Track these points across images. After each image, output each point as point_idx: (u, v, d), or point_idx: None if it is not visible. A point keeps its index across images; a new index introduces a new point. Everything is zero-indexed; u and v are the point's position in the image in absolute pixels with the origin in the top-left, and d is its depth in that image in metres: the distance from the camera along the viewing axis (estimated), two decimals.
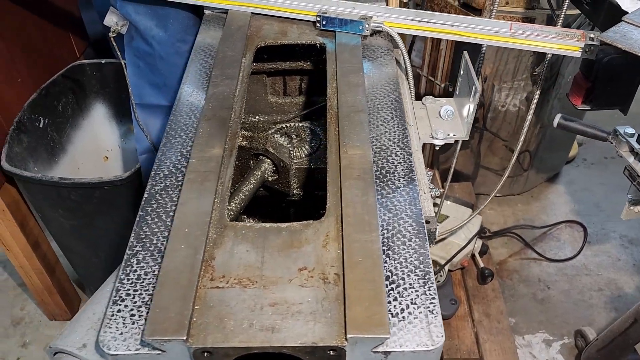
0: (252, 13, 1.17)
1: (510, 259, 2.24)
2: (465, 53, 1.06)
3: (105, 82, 1.90)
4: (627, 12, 1.04)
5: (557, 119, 1.46)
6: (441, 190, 0.99)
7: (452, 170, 1.59)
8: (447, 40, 1.84)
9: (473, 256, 2.04)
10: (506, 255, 2.25)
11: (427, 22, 1.07)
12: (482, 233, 2.02)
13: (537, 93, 1.36)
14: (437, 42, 2.12)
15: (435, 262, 1.94)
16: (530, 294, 2.11)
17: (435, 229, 0.83)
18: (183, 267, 0.68)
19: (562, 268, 2.20)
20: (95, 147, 1.99)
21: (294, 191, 1.07)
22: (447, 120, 1.01)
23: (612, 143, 1.40)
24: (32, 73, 1.71)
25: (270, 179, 1.06)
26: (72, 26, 1.99)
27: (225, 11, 1.20)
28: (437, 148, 1.03)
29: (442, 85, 2.17)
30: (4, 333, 1.99)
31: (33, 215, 1.75)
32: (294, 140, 1.10)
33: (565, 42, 1.01)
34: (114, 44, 1.37)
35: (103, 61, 1.85)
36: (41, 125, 1.72)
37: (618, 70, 1.16)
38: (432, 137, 1.00)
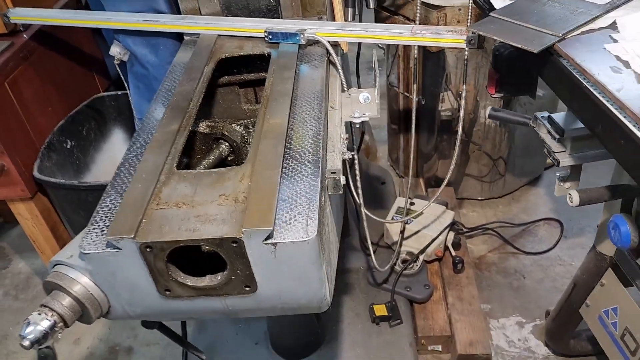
0: (218, 35, 1.49)
1: (489, 253, 2.42)
2: (374, 50, 1.34)
3: (122, 111, 2.26)
4: None
5: (488, 110, 1.71)
6: (352, 153, 1.21)
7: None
8: (416, 58, 2.11)
9: (446, 249, 2.24)
10: (486, 251, 2.44)
11: (349, 30, 1.37)
12: (454, 227, 2.22)
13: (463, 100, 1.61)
14: (407, 62, 2.41)
15: (410, 253, 2.16)
16: (507, 284, 2.28)
17: (339, 178, 1.08)
18: (138, 197, 0.97)
19: (537, 260, 2.37)
20: (114, 167, 2.33)
21: None
22: (365, 104, 1.28)
23: (533, 127, 1.63)
24: (62, 104, 2.09)
25: (229, 158, 1.34)
26: (96, 68, 2.39)
27: (198, 36, 1.52)
28: (358, 126, 1.30)
29: (416, 99, 2.44)
30: None
31: (62, 221, 2.09)
32: (250, 130, 1.39)
33: (452, 37, 1.27)
34: (119, 70, 1.71)
35: (119, 93, 2.22)
36: (68, 147, 2.07)
37: (515, 62, 1.41)
38: (351, 117, 1.28)
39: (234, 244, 0.89)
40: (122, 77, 1.73)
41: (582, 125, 1.45)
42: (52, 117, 2.03)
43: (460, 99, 2.44)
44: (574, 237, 2.45)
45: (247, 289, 0.95)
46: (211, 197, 0.97)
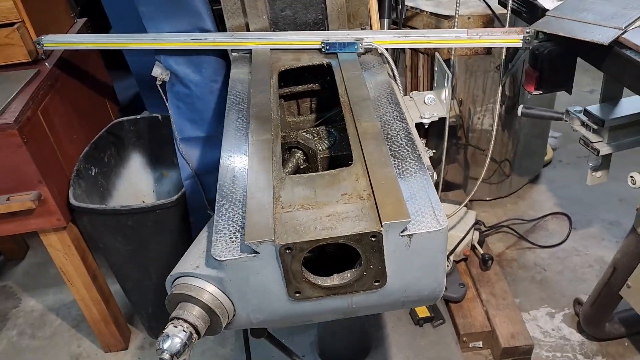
0: (271, 49, 1.52)
1: (507, 250, 2.51)
2: (437, 54, 1.40)
3: (140, 135, 2.24)
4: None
5: (520, 108, 1.81)
6: (433, 150, 1.28)
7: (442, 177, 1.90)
8: (424, 66, 2.20)
9: (473, 248, 2.31)
10: (503, 248, 2.53)
11: (405, 36, 1.43)
12: (477, 225, 2.30)
13: (497, 105, 1.70)
14: (414, 72, 2.51)
15: None
16: (529, 277, 2.37)
17: (433, 174, 1.13)
18: (261, 204, 0.98)
19: (554, 252, 2.48)
20: (134, 192, 2.29)
21: None
22: (430, 105, 1.34)
23: (566, 121, 1.73)
24: (83, 130, 2.05)
25: (302, 167, 1.36)
26: (107, 94, 2.36)
27: (249, 51, 1.55)
28: (427, 126, 1.35)
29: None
30: None
31: (90, 250, 2.03)
32: (316, 138, 1.42)
33: (509, 37, 1.36)
34: (160, 90, 1.70)
35: (138, 117, 2.20)
36: (93, 174, 2.03)
37: (556, 58, 1.51)
38: (421, 118, 1.33)
39: (373, 239, 0.91)
40: (163, 97, 1.72)
41: (622, 115, 1.56)
42: (78, 145, 1.99)
43: (461, 105, 2.57)
44: (583, 228, 2.58)
45: (377, 283, 0.98)
46: (334, 197, 0.99)
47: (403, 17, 1.76)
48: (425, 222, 0.94)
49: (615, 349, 2.03)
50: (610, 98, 1.61)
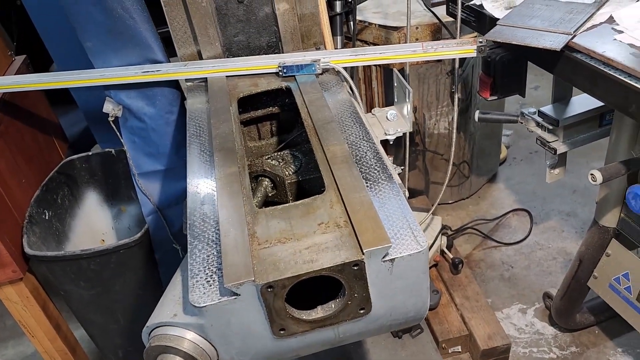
0: (227, 76, 1.49)
1: (475, 251, 2.55)
2: (395, 70, 1.41)
3: (93, 172, 2.14)
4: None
5: (477, 114, 1.84)
6: (402, 167, 1.28)
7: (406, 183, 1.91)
8: (377, 78, 2.21)
9: (442, 253, 2.33)
10: (470, 249, 2.57)
11: (362, 54, 1.43)
12: (444, 230, 2.33)
13: (456, 114, 1.73)
14: (368, 83, 2.52)
15: None
16: (498, 276, 2.42)
17: (405, 191, 1.12)
18: (236, 242, 0.94)
19: (518, 249, 2.53)
20: (92, 232, 2.19)
21: (290, 201, 1.35)
22: (393, 121, 1.34)
23: (522, 123, 1.78)
24: (32, 173, 1.94)
25: (270, 195, 1.34)
26: (54, 132, 2.25)
27: (204, 80, 1.51)
28: (391, 142, 1.35)
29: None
30: None
31: (51, 299, 1.92)
32: (282, 163, 1.40)
33: (463, 48, 1.38)
34: (113, 126, 1.64)
35: (90, 153, 2.11)
36: (47, 218, 1.93)
37: (508, 64, 1.54)
38: (386, 135, 1.33)
39: (355, 267, 0.89)
40: (117, 133, 1.65)
41: (574, 114, 1.61)
42: (27, 189, 1.88)
43: (416, 111, 2.60)
44: (543, 222, 2.65)
45: (362, 311, 0.96)
46: (310, 227, 0.97)
47: (356, 33, 1.77)
48: (406, 245, 0.93)
49: (587, 338, 2.09)
50: (561, 98, 1.66)
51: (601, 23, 1.26)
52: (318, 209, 1.01)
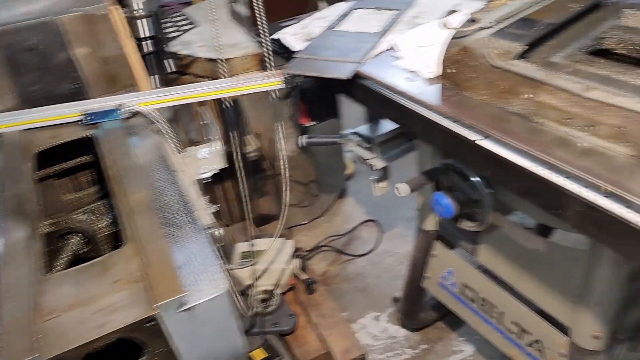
0: (26, 129, 1.39)
1: (330, 267, 2.63)
2: (200, 109, 1.41)
3: None
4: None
5: (303, 140, 1.90)
6: (218, 205, 1.27)
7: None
8: (215, 110, 2.20)
9: (297, 276, 2.37)
10: (326, 266, 2.64)
11: (169, 94, 1.41)
12: (297, 253, 2.37)
13: (283, 141, 1.76)
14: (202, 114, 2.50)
15: (266, 291, 2.23)
16: (353, 288, 2.51)
17: (218, 229, 1.12)
18: (19, 316, 0.87)
19: (370, 259, 2.65)
20: None
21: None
22: (207, 159, 1.34)
23: (343, 144, 1.87)
24: None
25: (85, 250, 1.26)
26: None
27: None
28: (210, 180, 1.35)
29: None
30: None
31: None
32: (93, 217, 1.32)
33: (270, 80, 1.42)
34: None
35: None
36: None
37: (318, 92, 1.62)
38: (200, 174, 1.32)
39: (151, 323, 0.87)
40: None
41: (385, 132, 1.73)
42: None
43: (260, 138, 2.64)
44: (390, 229, 2.81)
45: None
46: (103, 287, 0.92)
47: (172, 70, 1.74)
48: (205, 290, 0.92)
49: (434, 334, 2.24)
50: (373, 118, 1.78)
51: (386, 50, 1.37)
52: (115, 265, 0.97)
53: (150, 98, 1.41)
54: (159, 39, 1.71)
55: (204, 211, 1.18)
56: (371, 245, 2.73)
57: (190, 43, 2.38)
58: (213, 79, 2.32)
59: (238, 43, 2.33)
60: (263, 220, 2.79)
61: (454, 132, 1.08)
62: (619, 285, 1.23)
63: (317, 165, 2.81)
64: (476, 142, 1.05)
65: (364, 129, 1.77)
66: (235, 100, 2.42)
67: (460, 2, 1.61)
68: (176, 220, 1.07)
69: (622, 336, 1.37)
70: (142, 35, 1.63)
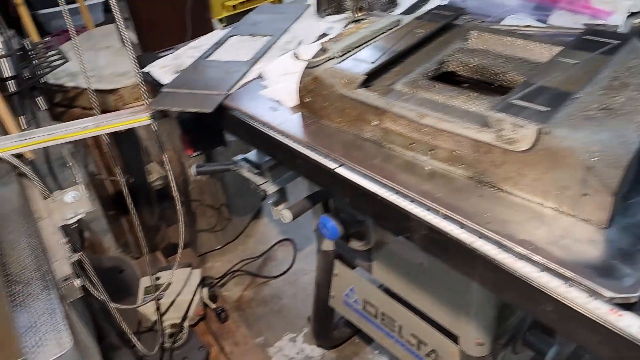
0: None
1: (245, 292, 2.59)
2: (63, 151, 1.35)
3: None
4: None
5: (194, 169, 1.86)
6: (80, 252, 1.21)
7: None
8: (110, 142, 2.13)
9: (206, 305, 2.32)
10: (240, 291, 2.59)
11: (30, 138, 1.34)
12: (204, 282, 2.31)
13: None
14: (100, 149, 2.41)
15: (174, 324, 2.17)
16: (269, 310, 2.48)
17: (74, 283, 1.06)
18: None
19: (286, 279, 2.64)
20: None
21: None
22: (74, 202, 1.28)
23: (235, 170, 1.85)
24: None
25: None
26: None
27: None
28: (74, 226, 1.28)
29: (124, 179, 2.46)
30: None
31: None
32: None
33: (137, 117, 1.38)
34: None
35: None
36: None
37: (198, 122, 1.59)
38: (65, 220, 1.25)
39: None
40: None
41: (270, 158, 1.72)
42: None
43: (164, 166, 2.58)
44: (305, 247, 2.81)
45: None
46: None
47: (45, 108, 1.66)
48: (49, 350, 0.87)
49: (350, 349, 2.25)
50: None
51: (253, 79, 1.37)
52: None
53: (7, 143, 1.33)
54: (24, 79, 1.62)
55: (65, 260, 1.12)
56: (287, 265, 2.71)
57: (76, 74, 2.29)
58: (103, 111, 2.25)
59: (127, 72, 2.27)
60: (174, 250, 2.71)
61: (314, 160, 1.08)
62: (490, 295, 1.28)
63: (226, 188, 2.76)
64: (334, 170, 1.06)
65: (252, 154, 1.75)
66: (129, 130, 2.35)
67: (332, 26, 1.63)
68: (24, 276, 1.01)
69: (503, 341, 1.42)
70: (4, 76, 1.54)
